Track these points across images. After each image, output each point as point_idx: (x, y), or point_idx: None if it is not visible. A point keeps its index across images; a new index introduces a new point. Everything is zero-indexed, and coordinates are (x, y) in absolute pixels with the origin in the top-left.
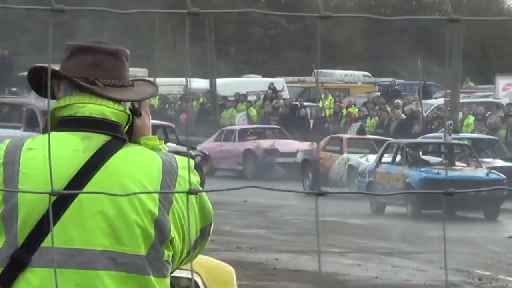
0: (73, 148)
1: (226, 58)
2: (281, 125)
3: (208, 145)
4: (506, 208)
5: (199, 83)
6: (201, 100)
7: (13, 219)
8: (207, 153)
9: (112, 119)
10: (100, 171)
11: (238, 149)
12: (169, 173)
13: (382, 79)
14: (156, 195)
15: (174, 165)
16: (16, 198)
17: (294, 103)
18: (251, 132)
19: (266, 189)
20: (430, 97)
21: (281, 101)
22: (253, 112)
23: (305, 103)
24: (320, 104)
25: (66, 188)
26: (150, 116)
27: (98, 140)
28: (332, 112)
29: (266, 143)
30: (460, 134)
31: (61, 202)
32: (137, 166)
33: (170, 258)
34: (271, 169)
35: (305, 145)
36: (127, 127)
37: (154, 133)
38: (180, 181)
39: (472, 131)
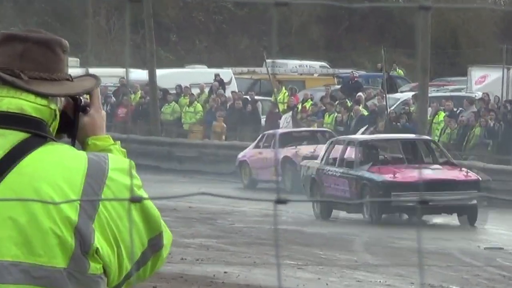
0: None
1: (167, 46)
2: (228, 122)
3: (248, 152)
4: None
5: (137, 74)
6: (139, 93)
7: None
8: None
9: (33, 114)
10: (12, 172)
11: (277, 157)
12: (94, 175)
13: (342, 71)
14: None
15: (103, 166)
16: None
17: (244, 97)
18: (295, 136)
19: (216, 196)
20: (396, 91)
21: (229, 95)
22: (198, 107)
23: (256, 97)
24: (273, 98)
25: None
26: (104, 113)
27: (13, 137)
28: (285, 107)
29: (306, 149)
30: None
31: None
32: (56, 166)
33: (101, 271)
34: None
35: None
36: (54, 123)
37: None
38: (110, 185)
39: (443, 129)
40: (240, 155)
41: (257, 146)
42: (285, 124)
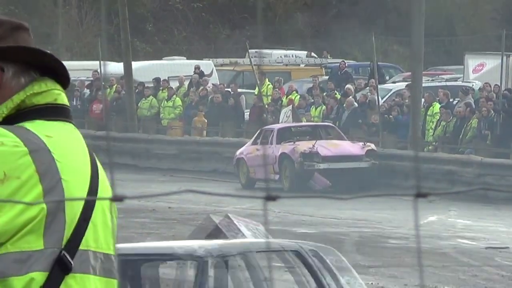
0: (79, 140)
1: (143, 37)
2: (209, 117)
3: (245, 149)
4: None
5: (112, 67)
6: (114, 87)
7: (60, 216)
8: None
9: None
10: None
11: (274, 154)
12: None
13: (330, 60)
14: None
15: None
16: (63, 191)
17: (226, 90)
18: (295, 132)
19: (203, 193)
20: (384, 82)
21: (210, 88)
22: (177, 101)
23: (239, 90)
24: (256, 91)
25: (90, 185)
26: None
27: (77, 132)
28: (270, 100)
29: (304, 145)
30: None
31: (88, 201)
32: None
33: None
34: (309, 179)
35: (357, 147)
36: None
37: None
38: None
39: (438, 121)
40: (238, 152)
41: (254, 143)
42: (285, 118)
